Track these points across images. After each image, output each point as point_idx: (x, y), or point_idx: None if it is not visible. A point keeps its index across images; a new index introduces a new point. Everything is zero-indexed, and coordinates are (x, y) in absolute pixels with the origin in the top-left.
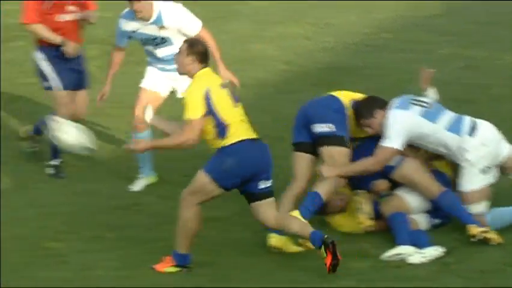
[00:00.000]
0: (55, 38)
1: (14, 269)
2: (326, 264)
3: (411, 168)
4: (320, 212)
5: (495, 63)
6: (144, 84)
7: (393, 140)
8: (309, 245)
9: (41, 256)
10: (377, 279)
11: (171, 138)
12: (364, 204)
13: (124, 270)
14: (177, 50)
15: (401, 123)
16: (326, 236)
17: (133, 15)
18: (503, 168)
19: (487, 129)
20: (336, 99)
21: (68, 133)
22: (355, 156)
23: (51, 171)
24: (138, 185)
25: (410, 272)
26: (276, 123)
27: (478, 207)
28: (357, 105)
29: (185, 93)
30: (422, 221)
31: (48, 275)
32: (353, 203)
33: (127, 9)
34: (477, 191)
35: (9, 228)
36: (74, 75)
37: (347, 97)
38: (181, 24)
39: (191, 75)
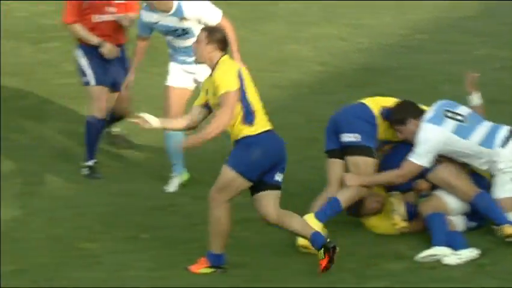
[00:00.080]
0: (92, 38)
1: (48, 269)
2: (320, 264)
3: (447, 171)
4: (354, 214)
5: None
6: (170, 82)
7: (422, 157)
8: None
9: (75, 256)
10: (411, 281)
11: (212, 124)
12: (398, 206)
13: (158, 271)
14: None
15: (431, 141)
16: (328, 240)
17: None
18: None
19: None
20: (366, 108)
21: None
22: (385, 161)
23: (86, 171)
24: (173, 185)
25: (444, 273)
26: (310, 124)
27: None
28: (391, 109)
29: (217, 72)
30: (459, 223)
31: (82, 275)
32: (387, 204)
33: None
34: (510, 198)
35: (45, 228)
36: (113, 73)
37: (377, 105)
38: (201, 14)
39: (212, 64)
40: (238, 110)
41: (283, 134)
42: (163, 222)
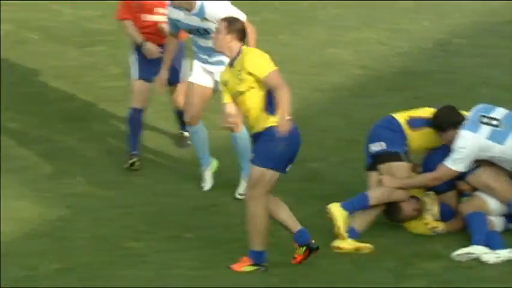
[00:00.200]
0: (137, 37)
1: (93, 267)
2: (295, 258)
3: (487, 174)
4: (393, 220)
5: None
6: (192, 78)
7: (457, 162)
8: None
9: (120, 255)
10: (448, 280)
11: (282, 100)
12: (432, 205)
13: (201, 270)
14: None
15: (468, 148)
16: (313, 241)
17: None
18: None
19: None
20: (391, 118)
21: None
22: (426, 163)
23: (126, 166)
24: (208, 182)
25: (481, 273)
26: (350, 126)
27: None
28: (435, 114)
29: (248, 57)
30: (498, 223)
31: (127, 274)
32: (422, 204)
33: None
34: None
35: (91, 228)
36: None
37: (404, 115)
38: (223, 16)
39: (231, 53)
40: (263, 94)
41: (324, 136)
42: (205, 222)
